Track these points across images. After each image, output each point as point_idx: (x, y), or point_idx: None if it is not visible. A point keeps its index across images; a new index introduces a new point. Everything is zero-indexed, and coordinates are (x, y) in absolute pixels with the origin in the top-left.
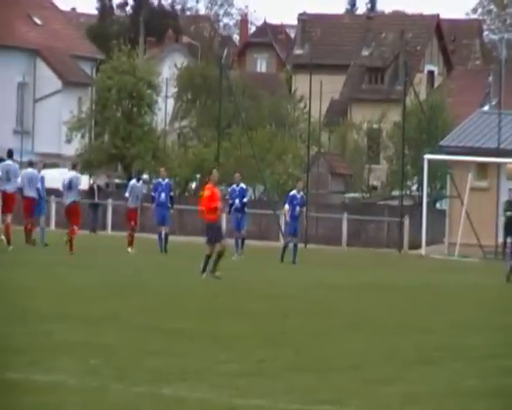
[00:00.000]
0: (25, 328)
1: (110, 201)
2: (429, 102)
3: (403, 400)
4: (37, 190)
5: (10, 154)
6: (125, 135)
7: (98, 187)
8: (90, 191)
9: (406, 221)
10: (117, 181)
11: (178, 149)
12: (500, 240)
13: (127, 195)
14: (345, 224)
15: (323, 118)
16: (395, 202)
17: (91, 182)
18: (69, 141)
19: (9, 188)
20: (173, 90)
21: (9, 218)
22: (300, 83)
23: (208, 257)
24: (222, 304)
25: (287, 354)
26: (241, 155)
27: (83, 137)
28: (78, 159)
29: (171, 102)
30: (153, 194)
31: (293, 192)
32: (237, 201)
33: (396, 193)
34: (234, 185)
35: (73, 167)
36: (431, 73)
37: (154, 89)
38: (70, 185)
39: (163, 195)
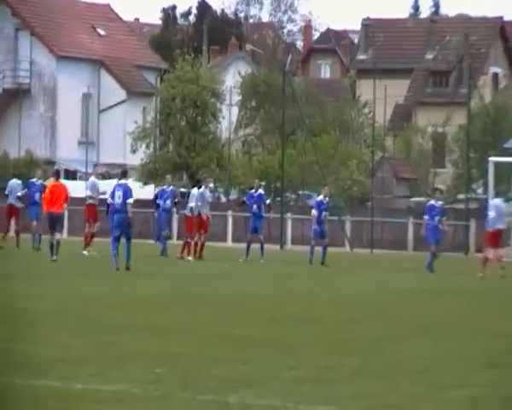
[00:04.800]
0: (89, 339)
1: (174, 210)
2: (494, 105)
3: (471, 404)
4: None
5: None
6: (189, 144)
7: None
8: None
9: (472, 224)
10: (182, 190)
11: (243, 156)
12: None
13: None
14: (410, 228)
15: (388, 122)
16: (461, 206)
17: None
18: (134, 151)
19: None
20: (237, 98)
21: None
22: (364, 88)
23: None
24: (286, 310)
25: (353, 360)
26: (305, 161)
27: (147, 146)
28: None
29: (235, 110)
30: (158, 201)
31: (320, 198)
32: (255, 206)
33: (462, 196)
34: (252, 191)
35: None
36: (495, 75)
37: (217, 97)
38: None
39: (168, 201)
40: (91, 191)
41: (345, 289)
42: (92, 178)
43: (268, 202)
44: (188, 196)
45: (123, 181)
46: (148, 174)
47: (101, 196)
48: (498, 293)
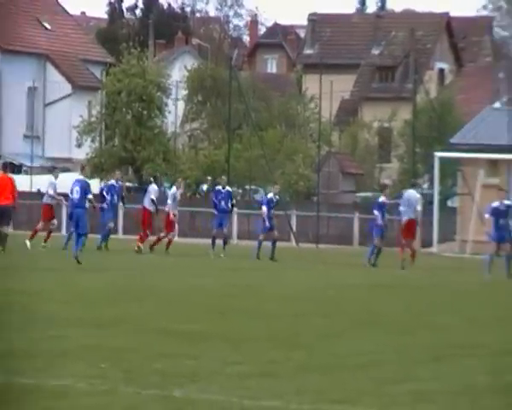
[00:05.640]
0: (34, 333)
1: (121, 204)
2: (440, 100)
3: (415, 398)
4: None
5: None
6: (135, 138)
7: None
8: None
9: (418, 219)
10: (128, 184)
11: (189, 151)
12: None
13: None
14: (356, 223)
15: (334, 117)
16: None
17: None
18: (79, 145)
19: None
20: (183, 92)
21: None
22: (310, 83)
23: None
24: (233, 305)
25: (298, 355)
26: (251, 156)
27: (93, 141)
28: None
29: (181, 104)
30: (105, 195)
31: (270, 196)
32: (223, 202)
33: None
34: (219, 187)
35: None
36: (441, 70)
37: (163, 91)
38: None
39: (115, 196)
40: (51, 191)
41: (291, 284)
42: (52, 179)
43: (233, 201)
44: (138, 191)
45: (81, 176)
46: (94, 169)
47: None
48: (442, 287)
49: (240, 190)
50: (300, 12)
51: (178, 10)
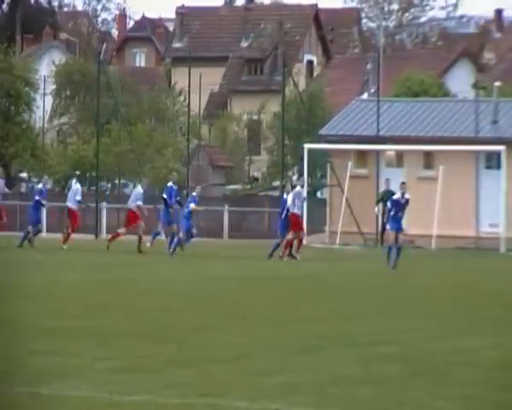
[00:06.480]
0: None
1: None
2: (308, 92)
3: (285, 390)
4: None
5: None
6: (2, 134)
7: None
8: None
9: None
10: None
11: (57, 146)
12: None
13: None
14: (226, 216)
15: (203, 110)
16: (276, 193)
17: None
18: None
19: None
20: (52, 87)
21: None
22: (180, 76)
23: None
24: (104, 301)
25: (168, 349)
26: (120, 150)
27: None
28: None
29: (49, 99)
30: None
31: (170, 184)
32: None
33: (277, 183)
34: (170, 184)
35: None
36: (310, 62)
37: (31, 86)
38: None
39: None
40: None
41: (162, 278)
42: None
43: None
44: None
45: None
46: None
47: None
48: (311, 279)
49: (109, 185)
50: (169, 5)
51: (46, 5)
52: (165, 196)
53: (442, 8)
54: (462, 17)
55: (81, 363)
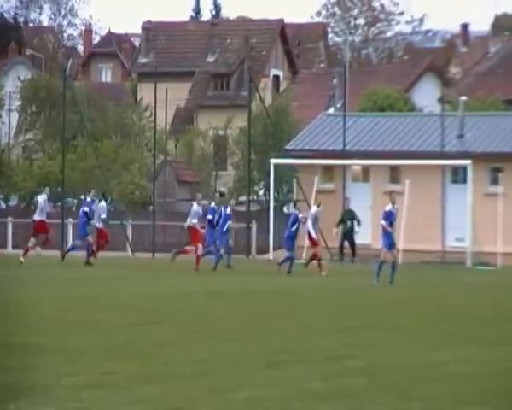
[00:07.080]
0: None
1: None
2: (275, 107)
3: (249, 405)
4: None
5: None
6: None
7: None
8: None
9: (253, 226)
10: None
11: (23, 162)
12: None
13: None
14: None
15: (169, 126)
16: (242, 208)
17: None
18: None
19: None
20: (17, 103)
21: None
22: (146, 91)
23: None
24: (68, 317)
25: (131, 365)
26: (86, 166)
27: None
28: None
29: (15, 115)
30: None
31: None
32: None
33: (243, 198)
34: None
35: None
36: (276, 77)
37: None
38: None
39: None
40: None
41: (126, 294)
42: None
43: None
44: None
45: None
46: None
47: None
48: (277, 294)
49: (75, 201)
50: (135, 21)
51: (11, 20)
52: (210, 216)
53: (408, 22)
54: (427, 32)
55: (47, 379)
